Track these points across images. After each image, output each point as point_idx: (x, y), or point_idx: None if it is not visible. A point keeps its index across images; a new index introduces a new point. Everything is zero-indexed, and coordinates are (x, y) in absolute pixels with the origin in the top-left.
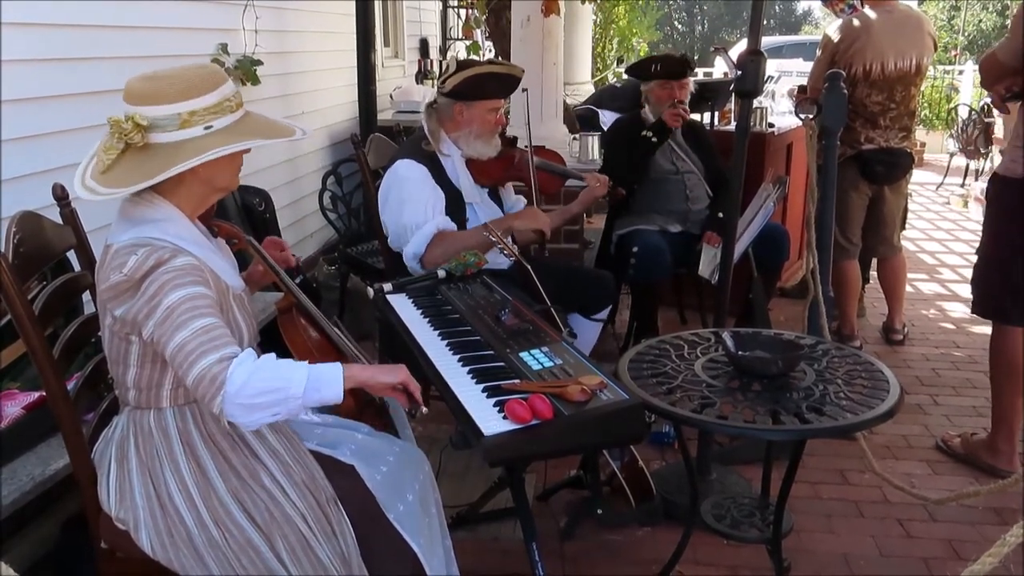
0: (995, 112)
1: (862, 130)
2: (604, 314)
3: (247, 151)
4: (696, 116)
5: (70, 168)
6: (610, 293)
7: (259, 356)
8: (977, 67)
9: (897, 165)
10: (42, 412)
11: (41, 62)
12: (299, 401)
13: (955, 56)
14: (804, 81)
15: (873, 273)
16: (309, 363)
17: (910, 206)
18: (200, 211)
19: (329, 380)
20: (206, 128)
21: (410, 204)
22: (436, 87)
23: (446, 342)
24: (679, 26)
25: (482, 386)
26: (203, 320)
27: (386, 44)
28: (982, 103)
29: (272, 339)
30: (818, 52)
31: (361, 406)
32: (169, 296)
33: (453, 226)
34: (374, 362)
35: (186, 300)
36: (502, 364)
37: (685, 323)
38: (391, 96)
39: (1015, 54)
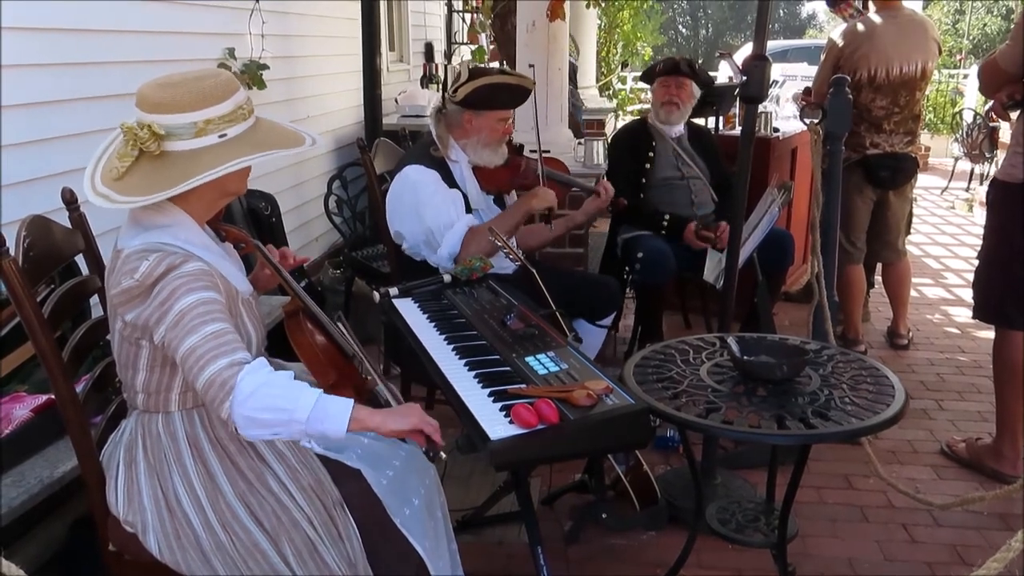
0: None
1: (867, 135)
2: (608, 320)
3: None
4: (700, 120)
5: (79, 172)
6: (614, 299)
7: (268, 363)
8: (978, 73)
9: (902, 170)
10: (51, 415)
11: (49, 66)
12: (302, 427)
13: (960, 60)
14: (810, 84)
15: (878, 278)
16: (311, 366)
17: (915, 210)
18: (209, 215)
19: (334, 415)
20: (220, 136)
21: (431, 207)
22: (447, 94)
23: (452, 347)
24: (683, 30)
25: (488, 390)
26: (214, 325)
27: (391, 48)
28: (987, 107)
29: (279, 343)
30: (822, 56)
31: None
32: (180, 301)
33: (478, 221)
34: (378, 367)
35: (197, 305)
36: (508, 368)
37: (689, 328)
38: (396, 100)
39: (1016, 61)
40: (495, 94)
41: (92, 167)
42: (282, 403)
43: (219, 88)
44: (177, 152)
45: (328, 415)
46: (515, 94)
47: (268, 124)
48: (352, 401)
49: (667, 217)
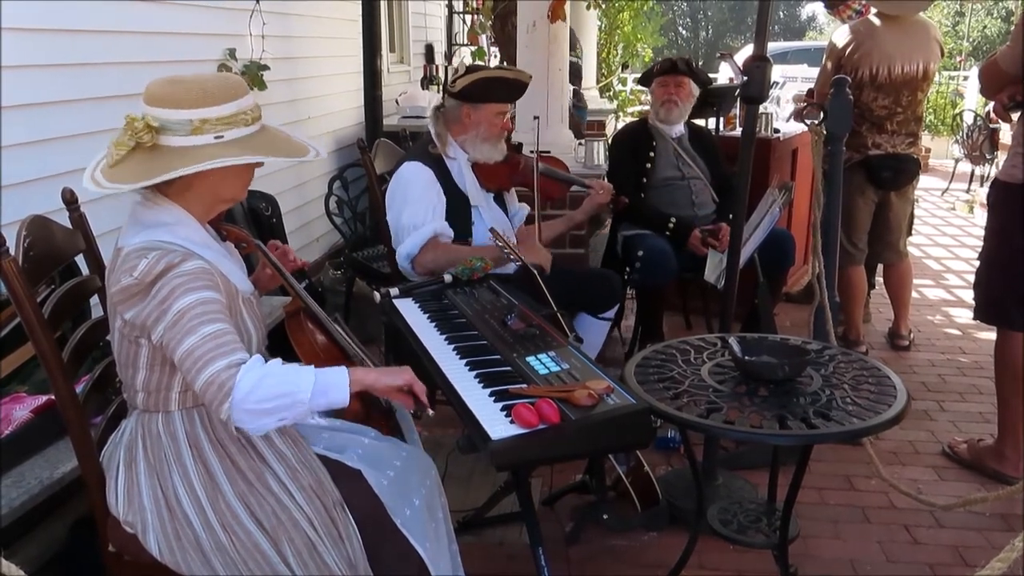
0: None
1: (868, 135)
2: (611, 313)
3: (259, 165)
4: (701, 121)
5: (78, 172)
6: (616, 291)
7: (266, 361)
8: (978, 75)
9: (904, 171)
10: (51, 415)
11: (49, 67)
12: (306, 406)
13: (960, 62)
14: (811, 85)
15: (879, 279)
16: (315, 367)
17: (915, 212)
18: (207, 219)
19: (335, 384)
20: (216, 137)
21: (411, 205)
22: (444, 89)
23: (453, 347)
24: (683, 32)
25: (489, 390)
26: (212, 326)
27: (392, 50)
28: (987, 109)
29: (280, 343)
30: (824, 58)
31: (368, 410)
32: (179, 300)
33: (451, 234)
34: (380, 365)
35: (196, 305)
36: (509, 368)
37: (690, 328)
38: (397, 101)
39: (1016, 62)
40: (492, 87)
41: (99, 158)
42: (283, 388)
43: (222, 90)
44: (170, 147)
45: (329, 386)
46: (512, 88)
47: (273, 133)
48: (345, 368)
49: (673, 220)
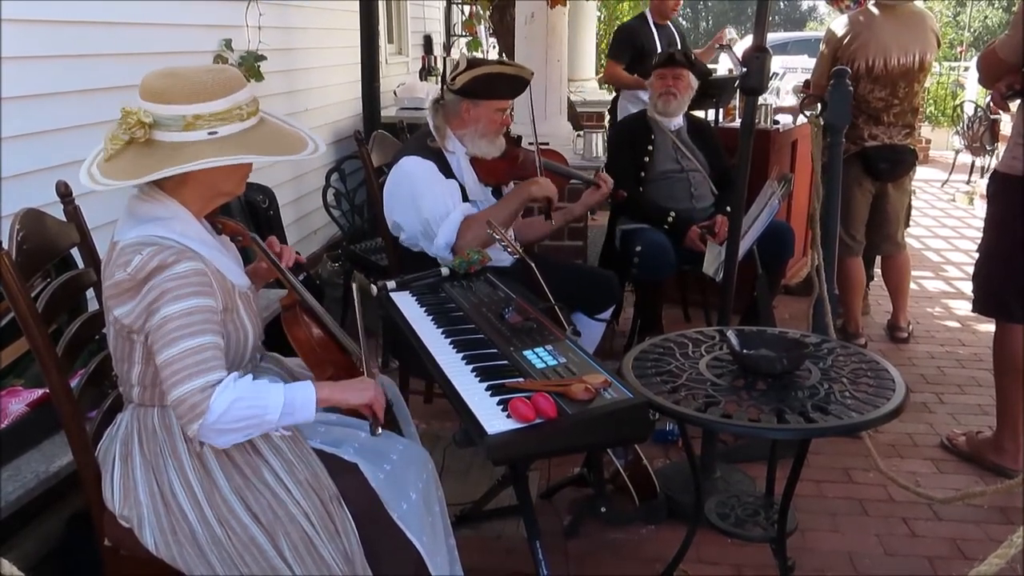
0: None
1: (865, 127)
2: (607, 314)
3: None
4: (700, 113)
5: (73, 165)
6: (614, 293)
7: (258, 356)
8: (977, 64)
9: (900, 162)
10: (46, 409)
11: (44, 59)
12: (273, 425)
13: (961, 53)
14: (809, 76)
15: (877, 271)
16: (308, 360)
17: (915, 203)
18: (204, 212)
19: (303, 404)
20: (210, 133)
21: (428, 197)
22: (445, 83)
23: (450, 340)
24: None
25: (486, 384)
26: (193, 339)
27: (390, 41)
28: (988, 100)
29: (276, 336)
30: (822, 47)
31: None
32: (167, 307)
33: (475, 210)
34: (376, 360)
35: (183, 315)
36: (506, 362)
37: (689, 321)
38: (395, 93)
39: (1016, 50)
40: (493, 83)
41: (97, 151)
42: (253, 411)
43: (217, 85)
44: (164, 142)
45: (297, 407)
46: (513, 84)
47: (271, 128)
48: (311, 386)
49: (672, 214)
